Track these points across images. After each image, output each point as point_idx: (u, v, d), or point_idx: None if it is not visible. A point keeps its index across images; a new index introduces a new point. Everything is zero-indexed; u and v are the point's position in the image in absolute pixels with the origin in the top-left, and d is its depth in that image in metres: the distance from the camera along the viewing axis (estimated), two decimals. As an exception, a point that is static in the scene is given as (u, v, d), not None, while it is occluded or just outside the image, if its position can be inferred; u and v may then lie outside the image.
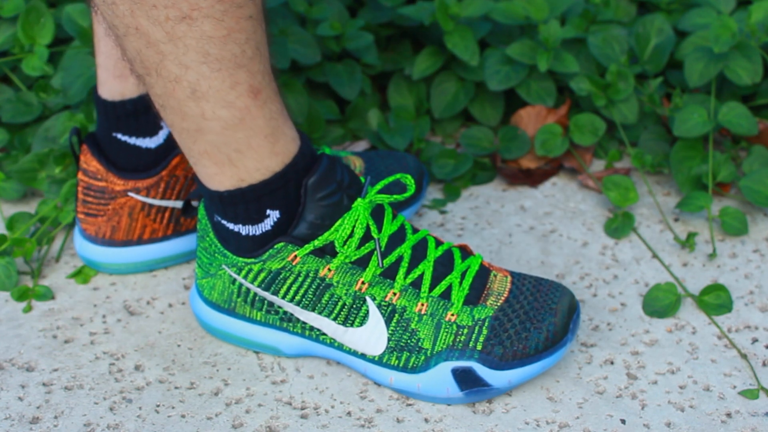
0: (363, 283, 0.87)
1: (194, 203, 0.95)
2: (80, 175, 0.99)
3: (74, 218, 1.05)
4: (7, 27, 1.19)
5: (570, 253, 1.06)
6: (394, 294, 0.88)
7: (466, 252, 0.92)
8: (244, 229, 0.87)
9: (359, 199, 0.87)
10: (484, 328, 0.87)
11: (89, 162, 0.98)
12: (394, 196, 0.88)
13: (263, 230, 0.87)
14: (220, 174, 0.85)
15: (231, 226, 0.87)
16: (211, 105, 0.81)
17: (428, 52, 1.22)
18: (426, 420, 0.88)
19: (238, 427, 0.87)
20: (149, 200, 0.99)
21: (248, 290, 0.89)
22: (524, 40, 1.19)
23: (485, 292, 0.89)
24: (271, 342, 0.92)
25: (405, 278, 0.88)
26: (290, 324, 0.90)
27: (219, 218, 0.88)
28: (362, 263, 0.87)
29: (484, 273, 0.91)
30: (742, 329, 0.97)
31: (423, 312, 0.88)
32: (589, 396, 0.90)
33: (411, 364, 0.88)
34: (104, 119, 0.98)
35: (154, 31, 0.77)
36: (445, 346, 0.87)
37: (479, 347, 0.87)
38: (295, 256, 0.86)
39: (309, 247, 0.86)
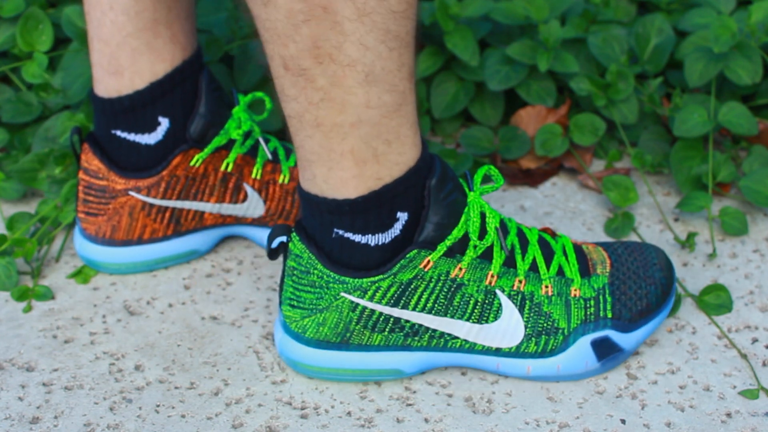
0: (492, 276, 0.87)
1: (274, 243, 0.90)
2: (81, 174, 0.99)
3: (74, 218, 1.05)
4: (7, 27, 1.19)
5: (570, 253, 1.06)
6: (520, 281, 0.88)
7: (550, 233, 0.94)
8: (373, 239, 0.84)
9: (471, 193, 0.86)
10: (606, 295, 0.90)
11: (90, 161, 0.98)
12: (494, 186, 0.86)
13: (393, 236, 0.84)
14: (359, 176, 0.81)
15: (358, 238, 0.84)
16: (377, 90, 0.78)
17: (428, 52, 1.22)
18: (426, 420, 0.88)
19: (238, 427, 0.87)
20: (150, 200, 0.98)
21: (372, 312, 0.86)
22: (524, 40, 1.19)
23: (589, 263, 0.92)
24: (392, 365, 0.89)
25: (525, 264, 0.88)
26: (415, 338, 0.88)
27: (343, 233, 0.83)
28: (487, 256, 0.87)
29: (578, 248, 0.93)
30: (742, 329, 0.97)
31: (550, 293, 0.89)
32: (589, 396, 0.90)
33: (550, 346, 0.89)
34: (102, 117, 0.98)
35: (344, 8, 0.74)
36: (579, 322, 0.89)
37: (609, 314, 0.89)
38: (428, 261, 0.84)
39: (442, 248, 0.84)
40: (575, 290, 0.89)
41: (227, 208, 1.02)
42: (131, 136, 0.97)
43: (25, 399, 0.89)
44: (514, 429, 0.87)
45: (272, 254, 0.86)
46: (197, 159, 0.98)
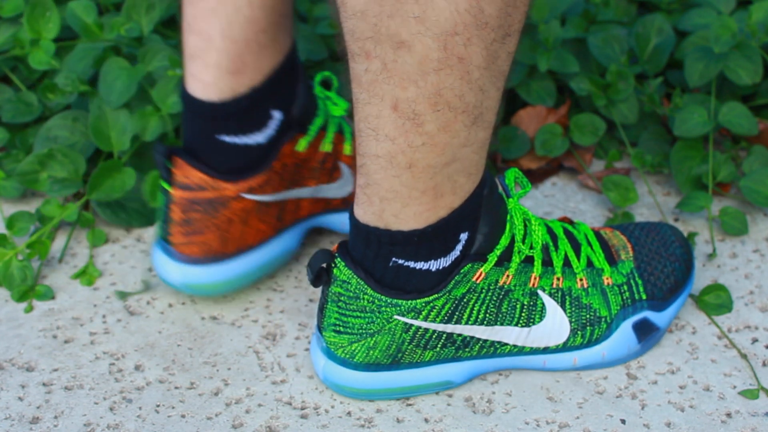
0: (535, 277, 0.87)
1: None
2: (178, 193, 0.91)
3: (162, 247, 0.95)
4: (7, 27, 1.19)
5: (570, 253, 1.06)
6: (558, 279, 0.89)
7: (569, 222, 0.95)
8: (435, 264, 0.82)
9: (511, 200, 0.86)
10: (636, 278, 0.92)
11: (190, 175, 0.90)
12: (525, 191, 0.87)
13: (453, 258, 0.83)
14: (432, 208, 0.80)
15: (420, 265, 0.82)
16: (477, 129, 0.77)
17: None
18: (426, 420, 0.88)
19: (238, 427, 0.87)
20: (262, 197, 0.93)
21: (425, 331, 0.85)
22: (524, 40, 1.19)
23: (612, 250, 0.93)
24: (442, 377, 0.88)
25: (559, 260, 0.89)
26: (466, 350, 0.88)
27: (403, 262, 0.82)
28: (528, 259, 0.87)
29: (598, 235, 0.94)
30: (742, 329, 0.97)
31: (585, 286, 0.90)
32: (589, 396, 0.90)
33: (595, 336, 0.90)
34: (206, 123, 0.91)
35: (478, 57, 0.73)
36: (619, 308, 0.91)
37: (644, 296, 0.92)
38: (481, 273, 0.84)
39: (493, 258, 0.84)
40: (607, 279, 0.91)
41: (324, 190, 0.98)
42: (240, 139, 0.92)
43: (25, 399, 0.89)
44: (514, 429, 0.87)
45: (316, 281, 0.84)
46: (303, 143, 0.95)
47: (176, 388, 0.91)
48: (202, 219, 0.92)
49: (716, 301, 0.99)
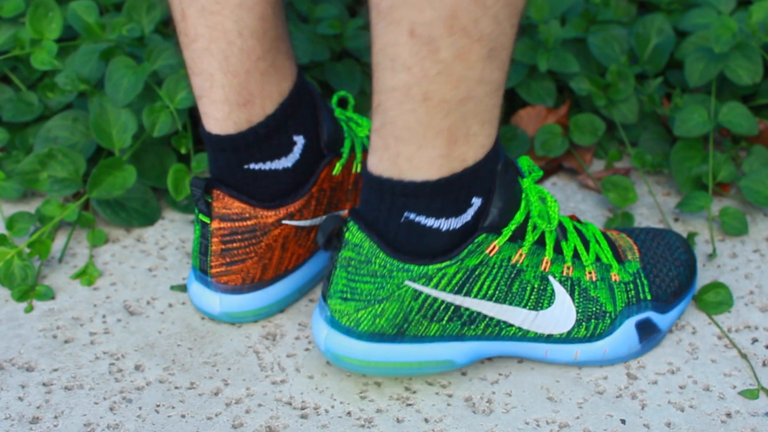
0: (547, 261, 0.88)
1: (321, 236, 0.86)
2: (217, 225, 0.92)
3: (199, 277, 0.96)
4: (7, 28, 1.19)
5: (570, 253, 1.06)
6: (568, 267, 0.89)
7: (578, 221, 0.96)
8: (446, 224, 0.82)
9: (525, 180, 0.86)
10: (642, 278, 0.93)
11: (229, 205, 0.91)
12: (538, 175, 0.88)
13: (464, 221, 0.83)
14: (446, 156, 0.80)
15: (431, 222, 0.82)
16: (492, 66, 0.77)
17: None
18: (426, 420, 0.88)
19: (238, 427, 0.87)
20: (302, 223, 0.95)
21: (434, 301, 0.85)
22: (524, 40, 1.19)
23: (619, 249, 0.94)
24: (444, 356, 0.88)
25: (569, 250, 0.89)
26: (471, 327, 0.88)
27: (414, 216, 0.82)
28: (541, 242, 0.88)
29: (605, 235, 0.95)
30: (742, 329, 0.97)
31: (594, 279, 0.90)
32: (589, 396, 0.90)
33: (598, 330, 0.90)
34: (233, 155, 0.91)
35: None
36: (624, 305, 0.91)
37: (649, 297, 0.92)
38: (494, 246, 0.84)
39: (507, 233, 0.84)
40: (615, 275, 0.91)
41: None
42: (267, 165, 0.92)
43: (25, 399, 0.89)
44: (514, 429, 0.87)
45: (327, 245, 0.84)
46: (338, 167, 0.96)
47: (176, 388, 0.91)
48: (243, 248, 0.93)
49: (716, 299, 0.99)
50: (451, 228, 0.83)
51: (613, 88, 1.16)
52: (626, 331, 0.91)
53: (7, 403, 0.89)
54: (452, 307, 0.86)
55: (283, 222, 0.93)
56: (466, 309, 0.86)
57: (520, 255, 0.86)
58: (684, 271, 0.96)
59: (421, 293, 0.84)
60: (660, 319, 0.93)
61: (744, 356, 0.94)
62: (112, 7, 1.25)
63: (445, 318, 0.86)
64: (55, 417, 0.88)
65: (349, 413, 0.88)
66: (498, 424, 0.88)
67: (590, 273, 0.90)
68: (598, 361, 0.92)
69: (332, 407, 0.89)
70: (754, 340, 0.96)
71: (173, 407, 0.89)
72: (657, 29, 1.21)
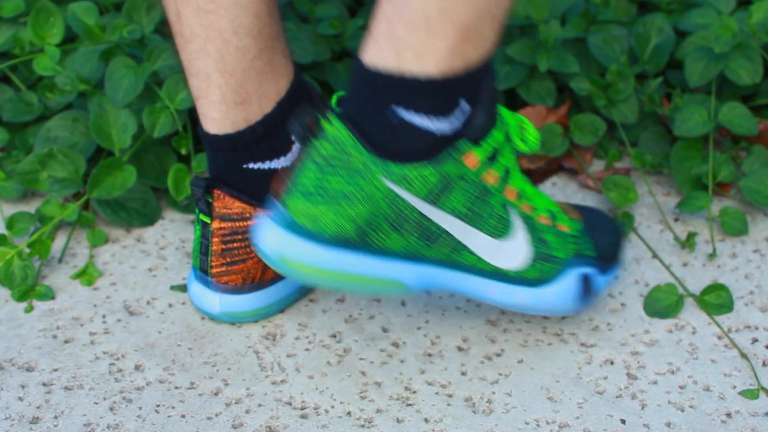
0: (511, 190, 0.88)
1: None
2: (218, 225, 0.92)
3: (199, 277, 0.96)
4: (7, 28, 1.19)
5: (570, 253, 1.06)
6: (527, 206, 0.89)
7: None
8: (432, 124, 0.80)
9: (503, 108, 0.87)
10: (587, 237, 0.93)
11: (231, 205, 0.92)
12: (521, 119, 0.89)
13: (452, 127, 0.82)
14: (453, 52, 0.78)
15: (418, 119, 0.80)
16: None
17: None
18: (426, 420, 0.88)
19: (238, 427, 0.87)
20: None
21: (405, 207, 0.83)
22: (524, 40, 1.19)
23: (562, 208, 0.94)
24: (397, 275, 0.85)
25: (527, 193, 0.90)
26: (433, 247, 0.86)
27: (404, 111, 0.80)
28: (510, 171, 0.88)
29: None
30: (742, 329, 0.97)
31: (546, 223, 0.91)
32: (589, 396, 0.90)
33: (546, 272, 0.90)
34: (231, 155, 0.91)
35: None
36: (571, 255, 0.92)
37: (593, 254, 0.93)
38: (474, 158, 0.84)
39: (487, 148, 0.84)
40: (563, 226, 0.92)
41: None
42: (266, 165, 0.92)
43: (25, 399, 0.89)
44: (514, 429, 0.87)
45: (304, 138, 0.81)
46: None
47: (176, 388, 0.91)
48: (243, 247, 0.93)
49: (717, 301, 0.99)
50: (438, 130, 0.81)
51: (613, 88, 1.16)
52: (570, 281, 0.91)
53: (7, 403, 0.89)
54: (420, 218, 0.84)
55: None
56: (433, 223, 0.85)
57: (492, 175, 0.86)
58: (618, 243, 0.97)
59: (395, 196, 0.82)
60: (599, 280, 0.93)
61: (744, 356, 0.94)
62: (112, 7, 1.25)
63: (410, 230, 0.84)
64: (55, 417, 0.88)
65: (349, 413, 0.88)
66: (498, 424, 0.88)
67: (544, 218, 0.91)
68: (541, 308, 0.91)
69: (332, 407, 0.89)
70: (754, 340, 0.96)
71: (173, 407, 0.89)
72: (657, 29, 1.21)
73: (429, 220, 0.84)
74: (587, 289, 0.92)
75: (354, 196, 0.81)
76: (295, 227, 0.82)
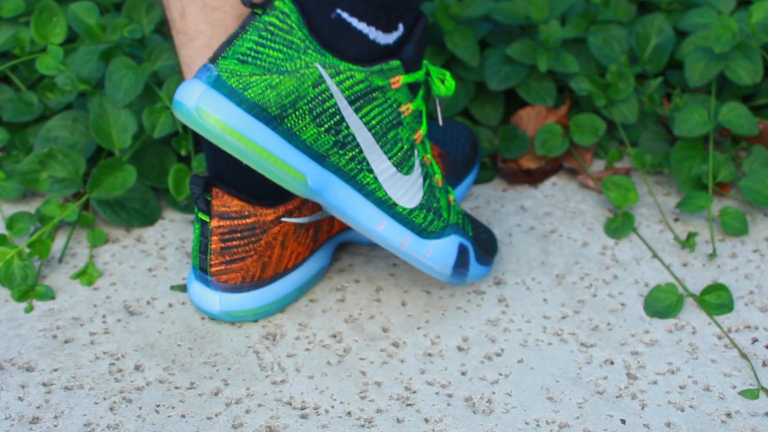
0: (419, 134, 0.91)
1: None
2: (216, 223, 0.92)
3: (199, 275, 0.96)
4: (7, 28, 1.19)
5: (570, 253, 1.06)
6: (428, 160, 0.93)
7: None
8: (372, 33, 0.85)
9: (426, 62, 0.91)
10: (468, 219, 0.98)
11: (229, 203, 0.91)
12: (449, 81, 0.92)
13: (386, 42, 0.86)
14: None
15: (356, 23, 0.84)
16: None
17: (428, 52, 1.22)
18: (426, 420, 0.88)
19: (238, 427, 0.87)
20: (301, 220, 0.95)
21: (328, 98, 0.84)
22: (524, 40, 1.19)
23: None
24: (302, 168, 0.86)
25: (429, 153, 0.93)
26: (340, 152, 0.87)
27: (347, 15, 0.84)
28: (422, 117, 0.91)
29: None
30: (742, 329, 0.97)
31: (440, 186, 0.95)
32: (589, 396, 0.90)
33: (431, 227, 0.93)
34: (229, 154, 0.92)
35: None
36: (455, 222, 0.95)
37: (472, 235, 0.98)
38: (398, 80, 0.87)
39: (411, 77, 0.88)
40: (452, 198, 0.96)
41: None
42: None
43: (25, 399, 0.89)
44: (514, 429, 0.87)
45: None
46: None
47: (176, 388, 0.91)
48: (243, 246, 0.93)
49: (717, 301, 0.99)
50: (375, 41, 0.86)
51: (613, 88, 1.16)
52: (450, 245, 0.94)
53: (7, 403, 0.89)
54: (338, 117, 0.86)
55: (283, 219, 0.94)
56: (347, 127, 0.86)
57: (408, 108, 0.89)
58: (493, 242, 1.01)
59: (322, 83, 0.84)
60: (473, 264, 0.97)
61: (744, 356, 0.94)
62: (112, 7, 1.25)
63: (326, 125, 0.85)
64: (55, 417, 0.88)
65: (349, 413, 0.88)
66: (498, 424, 0.88)
67: (438, 180, 0.94)
68: (417, 260, 0.93)
69: (332, 407, 0.89)
70: (754, 340, 0.96)
71: (173, 407, 0.89)
72: (657, 29, 1.22)
73: (345, 121, 0.86)
74: (463, 262, 0.95)
75: (285, 71, 0.83)
76: (218, 83, 0.82)
